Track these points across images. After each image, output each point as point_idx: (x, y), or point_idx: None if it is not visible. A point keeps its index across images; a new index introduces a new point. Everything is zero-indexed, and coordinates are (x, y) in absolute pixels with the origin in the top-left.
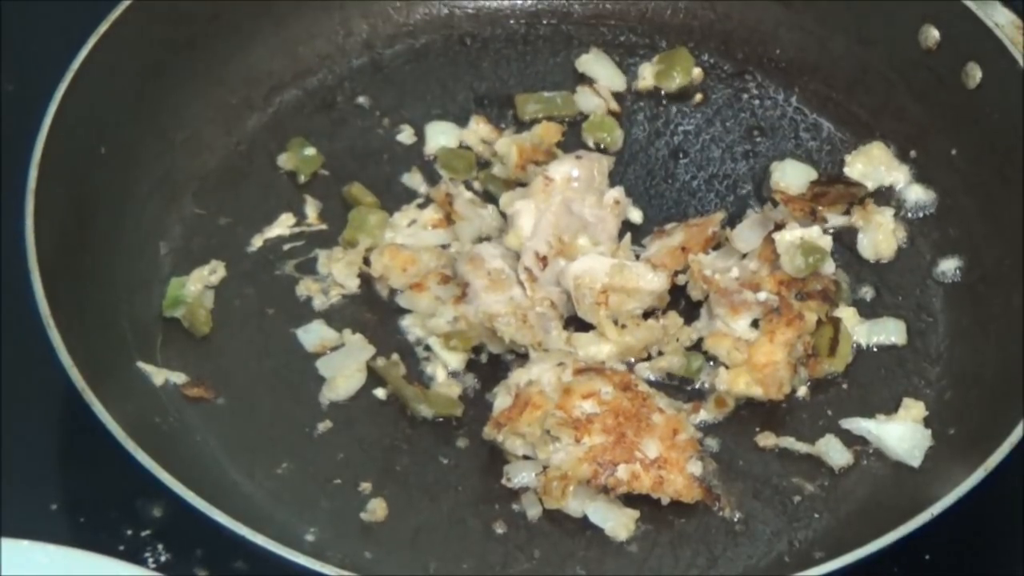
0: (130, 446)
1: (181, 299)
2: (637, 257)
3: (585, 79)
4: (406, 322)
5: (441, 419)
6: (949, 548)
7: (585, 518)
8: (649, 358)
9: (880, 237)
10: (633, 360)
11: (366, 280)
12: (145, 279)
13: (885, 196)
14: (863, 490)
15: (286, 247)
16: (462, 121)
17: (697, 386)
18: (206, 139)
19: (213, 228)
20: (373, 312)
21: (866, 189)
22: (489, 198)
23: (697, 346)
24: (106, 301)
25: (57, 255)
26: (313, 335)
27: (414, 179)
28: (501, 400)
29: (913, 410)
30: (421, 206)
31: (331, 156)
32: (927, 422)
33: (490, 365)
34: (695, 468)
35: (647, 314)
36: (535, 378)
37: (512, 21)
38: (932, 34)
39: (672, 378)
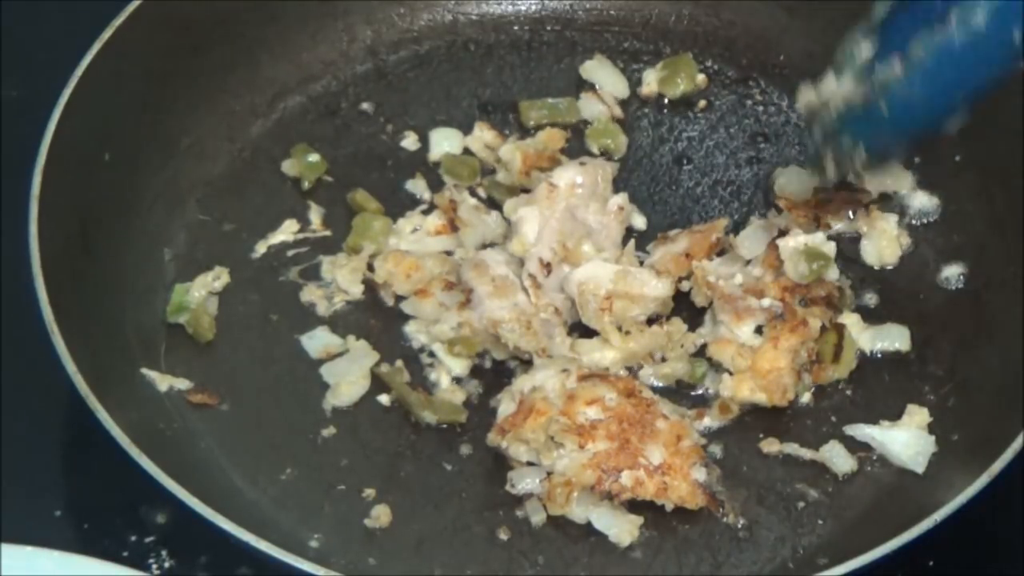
0: (134, 452)
1: (185, 305)
2: (641, 263)
3: (589, 85)
4: (410, 328)
5: (445, 425)
6: (953, 554)
7: (589, 524)
8: (653, 364)
9: (884, 243)
10: (637, 366)
11: (370, 286)
12: (149, 285)
13: (889, 202)
14: (867, 496)
15: (290, 253)
16: (466, 127)
17: (701, 392)
18: (210, 145)
19: (217, 234)
20: (377, 318)
21: (870, 195)
22: (493, 204)
23: (701, 352)
24: (110, 307)
25: (61, 261)
26: (317, 341)
27: (418, 185)
28: (505, 406)
29: (917, 416)
30: (425, 212)
31: (335, 162)
32: (931, 428)
33: (494, 371)
34: (699, 474)
35: (651, 320)
36: (539, 384)
37: (516, 27)
38: None
39: (676, 384)
